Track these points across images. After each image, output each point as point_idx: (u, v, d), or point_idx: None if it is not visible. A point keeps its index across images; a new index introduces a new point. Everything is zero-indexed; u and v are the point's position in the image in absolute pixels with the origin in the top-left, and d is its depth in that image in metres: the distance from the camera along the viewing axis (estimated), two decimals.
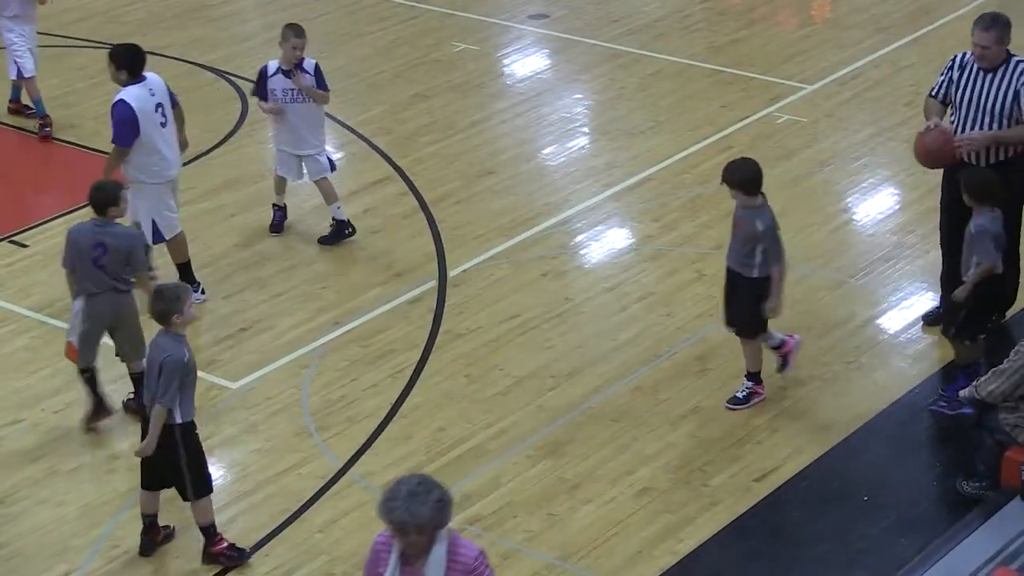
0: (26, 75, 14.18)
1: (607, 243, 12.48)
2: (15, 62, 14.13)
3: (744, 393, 10.31)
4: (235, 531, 9.18)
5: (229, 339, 11.24)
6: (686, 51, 15.76)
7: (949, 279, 10.36)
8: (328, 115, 14.55)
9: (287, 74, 12.07)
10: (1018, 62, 10.32)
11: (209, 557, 9.03)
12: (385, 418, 10.32)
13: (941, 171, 10.71)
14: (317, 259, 12.25)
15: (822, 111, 14.45)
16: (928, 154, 10.35)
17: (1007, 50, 10.34)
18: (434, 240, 12.51)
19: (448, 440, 10.08)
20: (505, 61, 15.88)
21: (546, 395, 10.52)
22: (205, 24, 16.82)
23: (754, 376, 10.30)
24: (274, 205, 12.62)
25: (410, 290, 11.81)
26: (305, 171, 12.41)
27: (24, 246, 12.51)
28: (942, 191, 10.74)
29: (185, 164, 13.60)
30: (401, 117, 14.62)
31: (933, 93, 10.54)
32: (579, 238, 12.49)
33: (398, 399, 10.52)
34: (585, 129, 14.42)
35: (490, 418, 10.29)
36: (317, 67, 12.23)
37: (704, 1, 17.22)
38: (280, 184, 12.53)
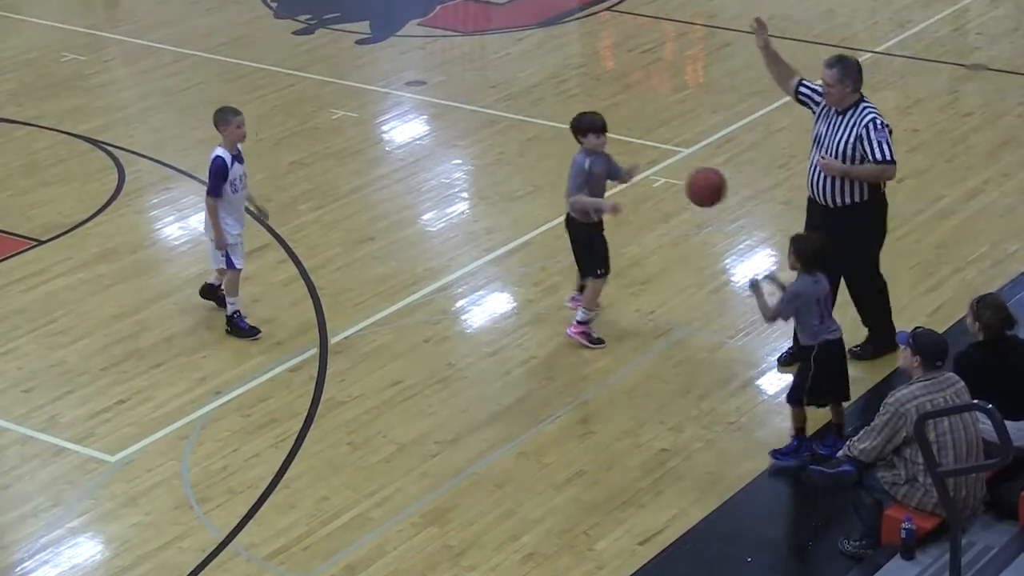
0: None
1: (488, 308, 12.46)
2: None
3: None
4: None
5: (107, 411, 11.04)
6: (563, 116, 15.75)
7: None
8: (205, 183, 14.48)
9: (239, 159, 11.75)
10: (866, 107, 10.72)
11: None
12: (267, 488, 10.17)
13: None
14: (196, 328, 12.09)
15: None
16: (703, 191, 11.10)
17: (860, 95, 10.75)
18: (315, 307, 12.41)
19: (332, 509, 9.95)
20: (384, 128, 15.88)
21: (430, 461, 10.44)
22: (79, 94, 16.62)
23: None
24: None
25: (291, 358, 11.69)
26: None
27: None
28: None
29: (61, 235, 13.50)
30: (280, 184, 14.53)
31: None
32: (460, 303, 12.47)
33: (280, 468, 10.38)
34: (465, 194, 14.44)
35: (374, 486, 10.18)
36: None
37: (580, 67, 17.37)
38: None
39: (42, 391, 11.27)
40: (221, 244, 11.69)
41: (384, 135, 15.73)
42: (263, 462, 10.45)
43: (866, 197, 10.88)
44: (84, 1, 20.06)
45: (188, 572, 9.36)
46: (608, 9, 19.12)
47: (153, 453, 10.58)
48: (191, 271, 12.95)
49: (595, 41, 18.58)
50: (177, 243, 13.60)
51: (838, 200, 10.86)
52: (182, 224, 13.86)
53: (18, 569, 9.41)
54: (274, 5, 19.25)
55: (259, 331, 11.91)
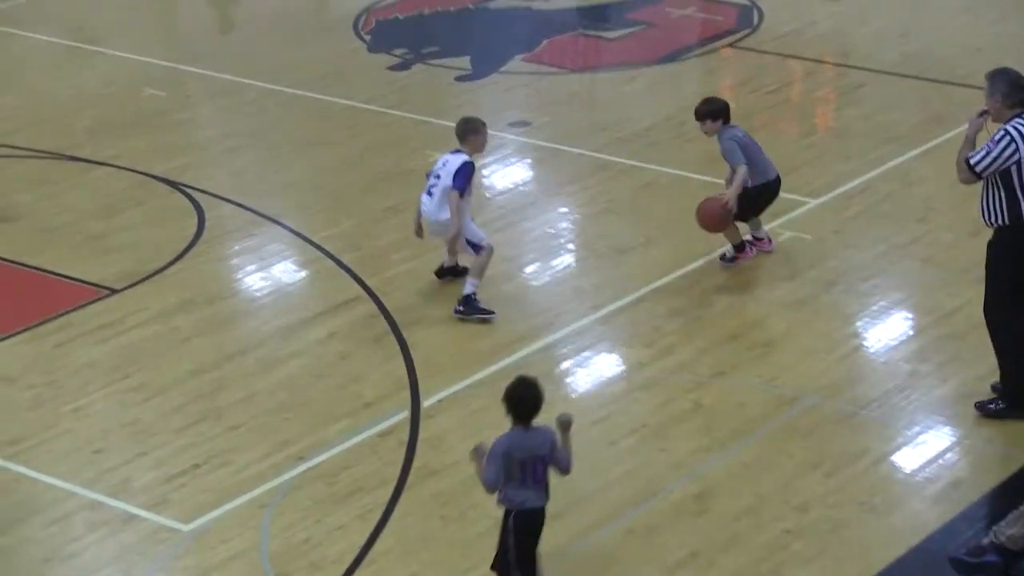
0: None
1: (595, 370, 12.44)
2: None
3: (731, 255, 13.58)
4: None
5: (181, 476, 11.12)
6: (680, 161, 15.85)
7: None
8: (291, 230, 14.67)
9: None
10: (1012, 120, 11.11)
11: None
12: (352, 563, 10.19)
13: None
14: (279, 387, 12.18)
15: (828, 227, 14.50)
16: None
17: (1019, 110, 11.18)
18: (406, 367, 12.46)
19: None
20: (484, 172, 15.94)
21: None
22: (159, 132, 16.88)
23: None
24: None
25: (380, 422, 11.73)
26: None
27: None
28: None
29: (137, 283, 13.68)
30: (372, 232, 14.64)
31: None
32: (565, 365, 12.45)
33: (367, 542, 10.40)
34: (571, 246, 14.45)
35: (467, 563, 10.16)
36: None
37: None
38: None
39: (113, 452, 11.39)
40: (459, 236, 12.94)
41: (484, 180, 15.80)
42: (348, 534, 10.48)
43: (1006, 221, 11.03)
44: (166, 33, 20.43)
45: None
46: (730, 45, 19.13)
47: (230, 522, 10.64)
48: (273, 324, 13.06)
49: (716, 80, 18.58)
50: (259, 294, 13.73)
51: (983, 219, 11.21)
52: (264, 274, 14.00)
53: None
54: (368, 38, 19.47)
55: (493, 312, 12.92)
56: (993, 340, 11.41)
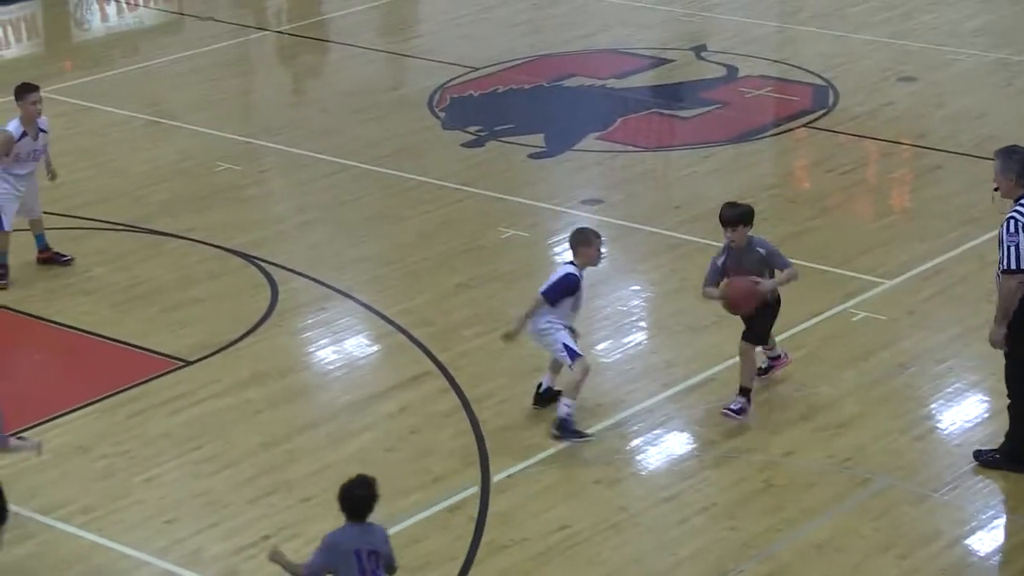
0: None
1: (666, 448, 12.51)
2: None
3: (738, 407, 12.62)
4: None
5: (252, 547, 11.26)
6: None
7: None
8: (364, 304, 14.86)
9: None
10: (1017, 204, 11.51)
11: None
12: None
13: None
14: (350, 460, 12.33)
15: (902, 308, 14.55)
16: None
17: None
18: (476, 442, 12.58)
19: None
20: (556, 249, 16.11)
21: None
22: (233, 206, 17.17)
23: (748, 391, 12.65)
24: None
25: (450, 496, 11.85)
26: None
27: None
28: None
29: (210, 355, 13.88)
30: (444, 307, 14.82)
31: None
32: (635, 442, 12.53)
33: None
34: (643, 323, 14.56)
35: None
36: None
37: (772, 188, 17.49)
38: None
39: (185, 523, 11.56)
40: (553, 346, 12.62)
41: (556, 257, 15.95)
42: None
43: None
44: (241, 108, 20.79)
45: None
46: (805, 126, 19.25)
47: None
48: (344, 399, 13.24)
49: (790, 160, 18.72)
50: (331, 368, 13.91)
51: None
52: (337, 348, 14.19)
53: None
54: (442, 115, 19.74)
55: (592, 435, 12.49)
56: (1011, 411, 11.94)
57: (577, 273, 12.64)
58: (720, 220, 12.73)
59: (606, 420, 12.82)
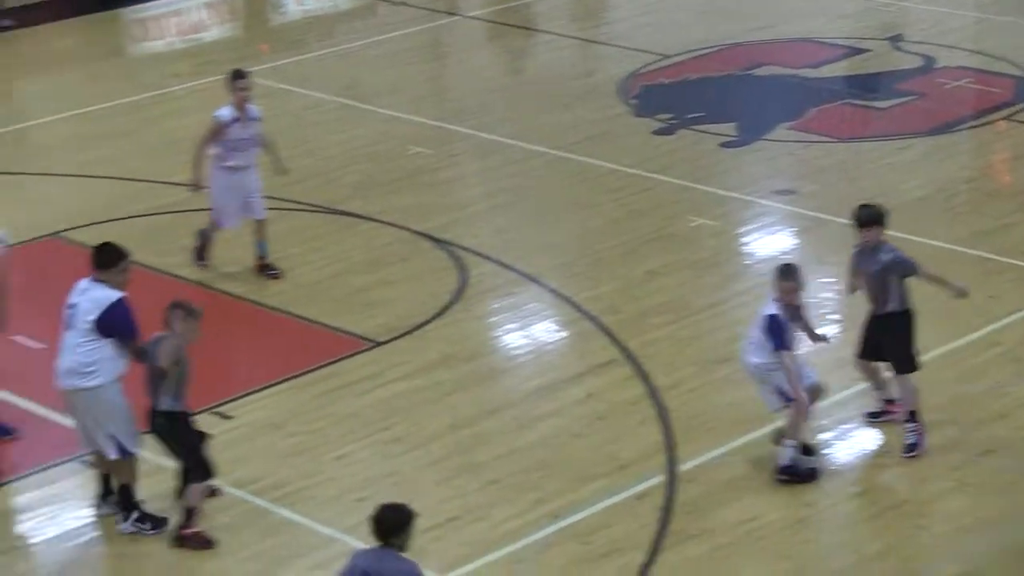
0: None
1: (856, 443, 12.38)
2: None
3: (914, 438, 11.96)
4: None
5: (438, 528, 11.39)
6: (949, 235, 15.69)
7: None
8: (552, 290, 14.93)
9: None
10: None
11: (178, 540, 11.03)
12: None
13: None
14: (537, 445, 12.40)
15: None
16: None
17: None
18: (663, 430, 12.57)
19: None
20: (746, 239, 16.02)
21: None
22: (424, 189, 17.32)
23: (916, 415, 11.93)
24: None
25: (636, 484, 11.86)
26: None
27: (228, 417, 12.91)
28: None
29: (400, 337, 14.05)
30: (632, 295, 14.81)
31: None
32: (825, 436, 12.42)
33: None
34: (835, 316, 14.41)
35: None
36: None
37: (970, 181, 17.19)
38: None
39: (375, 501, 11.59)
40: (798, 393, 11.62)
41: (746, 247, 15.88)
42: None
43: None
44: (434, 93, 20.96)
45: None
46: (1007, 118, 18.88)
47: None
48: (531, 384, 13.31)
49: (990, 153, 18.37)
50: (518, 352, 14.00)
51: None
52: (525, 333, 14.28)
53: None
54: (634, 103, 19.71)
55: (817, 475, 11.76)
56: None
57: (780, 312, 11.69)
58: (854, 220, 12.25)
59: None
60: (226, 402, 13.08)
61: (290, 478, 12.02)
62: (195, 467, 11.09)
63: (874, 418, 12.49)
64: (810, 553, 11.01)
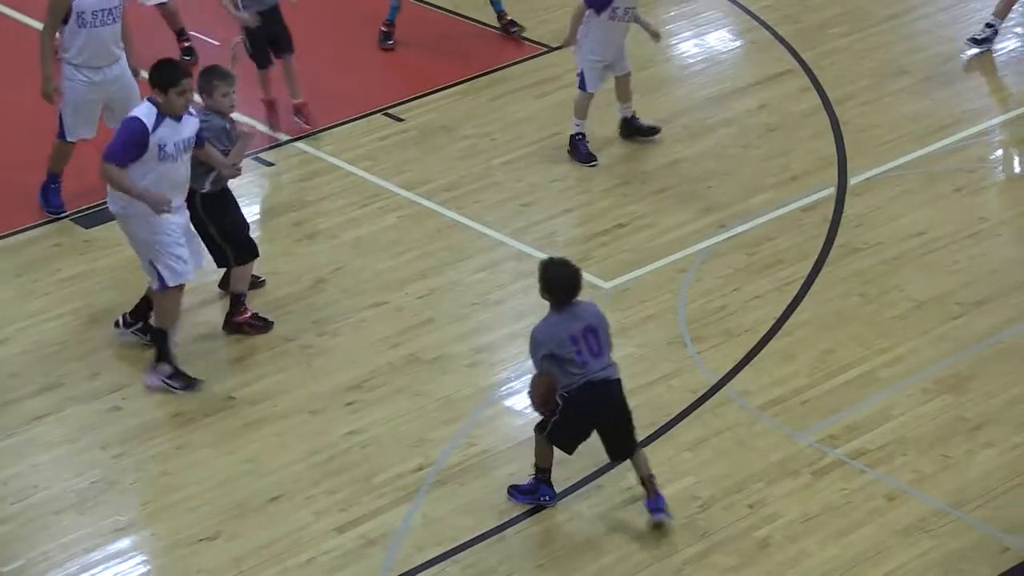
0: None
1: None
2: None
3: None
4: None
5: (604, 235, 11.37)
6: None
7: None
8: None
9: None
10: None
11: (232, 326, 10.36)
12: (767, 333, 10.28)
13: None
14: (705, 155, 12.24)
15: None
16: None
17: None
18: (835, 143, 12.33)
19: (836, 363, 9.98)
20: None
21: (950, 323, 10.28)
22: None
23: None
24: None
25: (805, 196, 11.69)
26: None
27: (400, 120, 12.90)
28: None
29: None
30: (810, 5, 14.40)
31: None
32: (1001, 152, 12.09)
33: (783, 314, 10.46)
34: (1020, 30, 13.88)
35: (885, 343, 10.13)
36: None
37: None
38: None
39: (541, 207, 11.71)
40: None
41: None
42: (765, 305, 10.56)
43: None
44: None
45: (678, 412, 9.62)
46: None
47: (649, 284, 10.85)
48: (703, 93, 13.13)
49: None
50: (692, 61, 13.75)
51: None
52: (699, 41, 14.04)
53: (504, 388, 9.91)
54: None
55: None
56: None
57: None
58: None
59: (972, 127, 12.42)
60: (398, 104, 13.05)
61: (460, 181, 12.02)
62: (237, 250, 10.29)
63: None
64: (982, 267, 10.82)
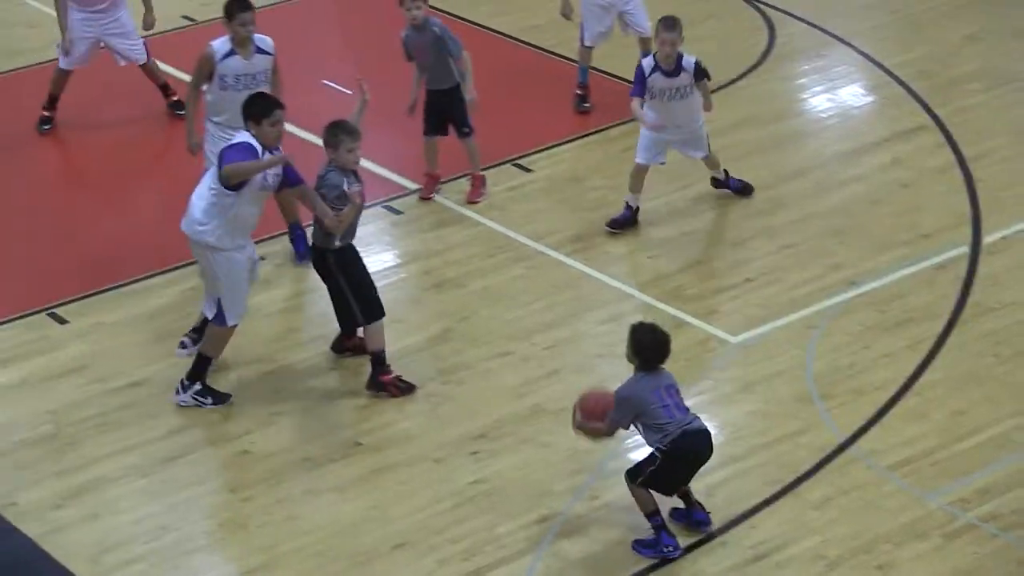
0: None
1: None
2: None
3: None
4: (721, 496, 9.25)
5: (733, 289, 11.31)
6: None
7: None
8: (862, 53, 14.46)
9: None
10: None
11: (376, 385, 10.29)
12: (897, 392, 10.16)
13: None
14: (835, 211, 12.15)
15: None
16: None
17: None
18: (970, 200, 12.19)
19: (967, 425, 9.83)
20: None
21: None
22: None
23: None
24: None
25: (938, 254, 11.55)
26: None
27: (529, 171, 12.94)
28: None
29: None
30: (947, 61, 14.28)
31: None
32: None
33: (914, 373, 10.33)
34: None
35: (1019, 405, 9.97)
36: None
37: None
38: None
39: (668, 260, 11.69)
40: None
41: None
42: (895, 363, 10.43)
43: None
44: None
45: (804, 470, 9.51)
46: None
47: (777, 339, 10.77)
48: (835, 148, 13.06)
49: None
50: (824, 116, 13.68)
51: None
52: (831, 96, 13.96)
53: (629, 441, 9.85)
54: None
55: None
56: None
57: None
58: None
59: None
60: (527, 155, 13.10)
61: (589, 232, 12.02)
62: (365, 306, 10.25)
63: None
64: None
